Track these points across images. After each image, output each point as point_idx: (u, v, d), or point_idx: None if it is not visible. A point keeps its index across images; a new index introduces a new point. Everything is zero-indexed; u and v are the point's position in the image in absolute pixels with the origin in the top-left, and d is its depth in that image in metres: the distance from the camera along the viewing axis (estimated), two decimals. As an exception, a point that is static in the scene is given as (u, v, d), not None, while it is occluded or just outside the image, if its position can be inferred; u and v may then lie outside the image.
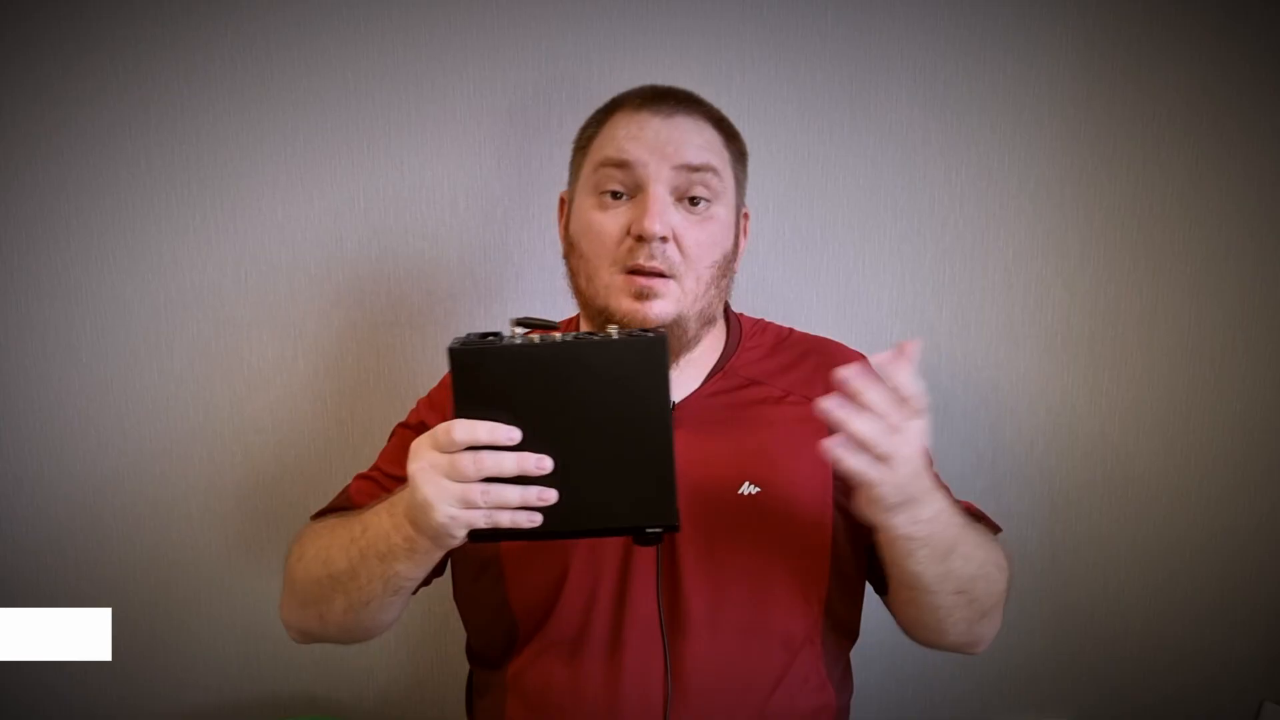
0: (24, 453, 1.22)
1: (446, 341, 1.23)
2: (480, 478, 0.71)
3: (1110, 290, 1.24)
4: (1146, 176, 1.21)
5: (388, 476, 0.97)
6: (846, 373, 0.72)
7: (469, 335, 0.75)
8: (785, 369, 0.98)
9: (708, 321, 0.93)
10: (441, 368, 1.22)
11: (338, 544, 0.86)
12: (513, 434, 0.72)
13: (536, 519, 0.72)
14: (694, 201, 0.90)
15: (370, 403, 1.24)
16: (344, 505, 0.97)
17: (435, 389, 1.03)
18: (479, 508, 0.71)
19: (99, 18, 1.14)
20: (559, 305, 1.21)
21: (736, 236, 0.96)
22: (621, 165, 0.89)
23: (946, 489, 0.86)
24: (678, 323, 0.89)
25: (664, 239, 0.87)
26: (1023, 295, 1.24)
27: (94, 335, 1.20)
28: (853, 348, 1.02)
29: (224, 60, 1.16)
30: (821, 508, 0.92)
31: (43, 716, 1.28)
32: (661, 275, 0.88)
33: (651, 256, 0.87)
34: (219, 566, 1.26)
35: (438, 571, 0.98)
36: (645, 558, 0.89)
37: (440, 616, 1.28)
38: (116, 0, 1.14)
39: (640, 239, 0.87)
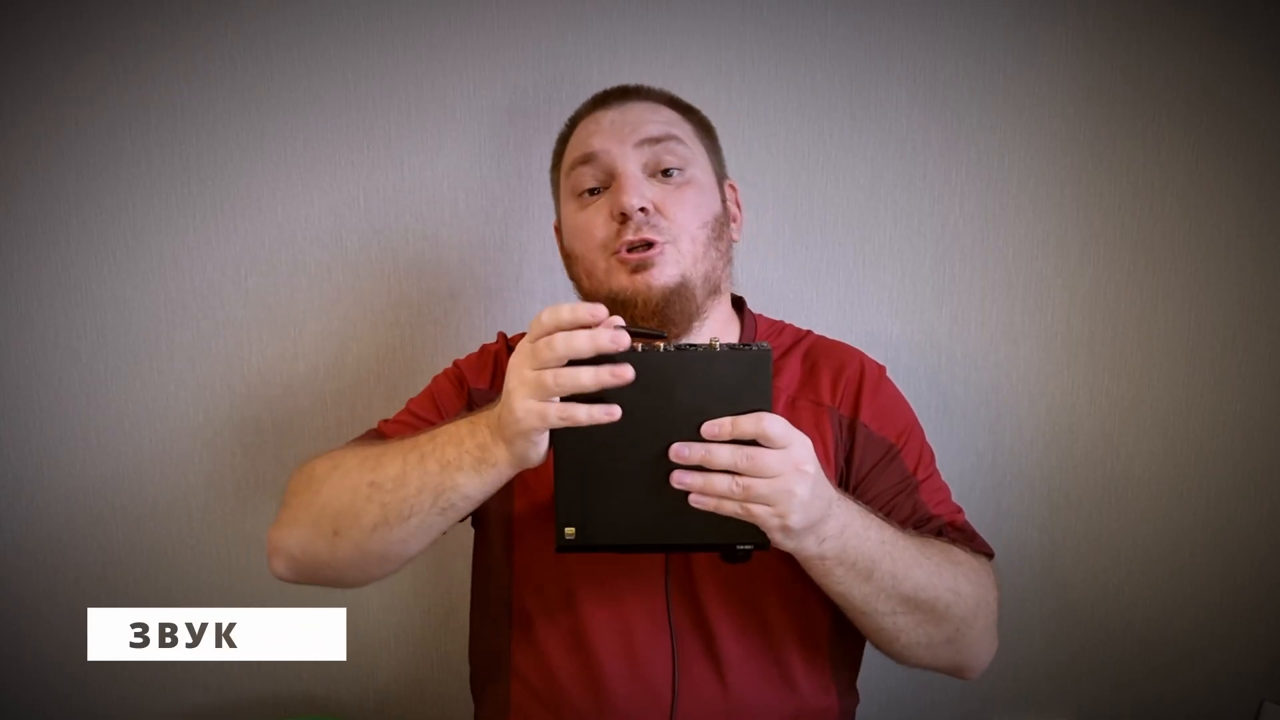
0: (24, 453, 1.22)
1: (447, 341, 1.24)
2: (559, 361, 0.70)
3: (1110, 290, 1.24)
4: (1146, 176, 1.22)
5: (419, 418, 0.97)
6: (680, 448, 0.72)
7: None
8: (797, 372, 0.97)
9: (713, 290, 0.94)
10: (441, 367, 1.21)
11: (391, 451, 0.82)
12: (597, 310, 0.70)
13: (614, 412, 0.70)
14: (667, 173, 0.92)
15: (370, 403, 1.24)
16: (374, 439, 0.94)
17: (475, 354, 1.03)
18: (551, 393, 0.70)
19: (99, 18, 1.14)
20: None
21: (724, 203, 0.97)
22: (588, 159, 0.93)
23: (869, 515, 0.83)
24: (684, 285, 0.90)
25: (644, 210, 0.89)
26: (1023, 295, 1.24)
27: (94, 335, 1.21)
28: (873, 358, 1.01)
29: (224, 60, 1.16)
30: None
31: (43, 716, 1.28)
32: (653, 244, 0.89)
33: (638, 229, 0.89)
34: (219, 566, 1.26)
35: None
36: (655, 555, 0.89)
37: (440, 617, 1.28)
38: (116, 0, 1.14)
39: (624, 218, 0.89)
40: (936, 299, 1.24)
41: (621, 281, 0.89)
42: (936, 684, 1.32)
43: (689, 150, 0.94)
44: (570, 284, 1.00)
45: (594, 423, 0.71)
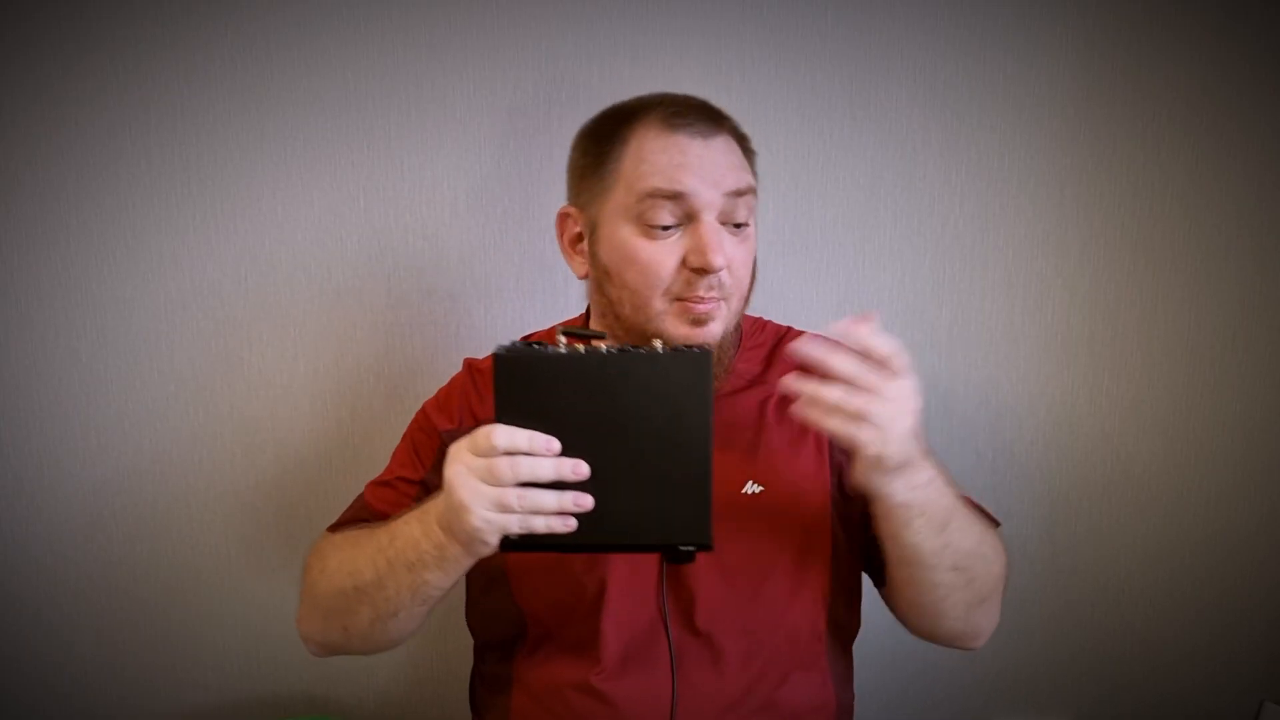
0: (24, 453, 1.22)
1: (446, 341, 1.24)
2: (516, 482, 0.71)
3: (1110, 290, 1.24)
4: (1146, 176, 1.22)
5: (402, 480, 0.97)
6: (803, 346, 0.72)
7: (514, 342, 0.75)
8: (784, 369, 0.97)
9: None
10: (441, 367, 1.22)
11: (364, 554, 0.85)
12: (552, 444, 0.72)
13: (572, 524, 0.72)
14: (737, 225, 0.88)
15: (370, 403, 1.24)
16: (361, 515, 0.96)
17: (443, 390, 1.02)
18: (514, 512, 0.71)
19: (99, 18, 1.14)
20: (559, 305, 1.21)
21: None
22: (675, 197, 0.85)
23: (945, 472, 0.85)
24: (724, 338, 0.90)
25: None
26: (1023, 295, 1.24)
27: (94, 335, 1.20)
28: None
29: (224, 60, 1.16)
30: (822, 506, 0.92)
31: (43, 716, 1.28)
32: (718, 300, 0.87)
33: (711, 287, 0.86)
34: (219, 566, 1.26)
35: None
36: (651, 556, 0.89)
37: (440, 617, 1.27)
38: (116, 0, 1.14)
39: (699, 271, 0.85)
40: (936, 299, 1.24)
41: (678, 331, 0.87)
42: (936, 684, 1.32)
43: (756, 203, 0.90)
44: (566, 270, 0.97)
45: (550, 532, 0.72)
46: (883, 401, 0.72)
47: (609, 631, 0.89)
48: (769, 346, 1.00)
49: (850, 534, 0.94)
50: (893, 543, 0.83)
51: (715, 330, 0.88)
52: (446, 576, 0.80)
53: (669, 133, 0.87)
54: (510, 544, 0.74)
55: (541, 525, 0.72)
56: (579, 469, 0.72)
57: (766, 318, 1.05)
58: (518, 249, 1.22)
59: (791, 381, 0.72)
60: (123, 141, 1.17)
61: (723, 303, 0.88)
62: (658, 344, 0.74)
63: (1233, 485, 1.27)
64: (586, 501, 0.72)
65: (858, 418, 0.72)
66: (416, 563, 0.79)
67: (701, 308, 0.86)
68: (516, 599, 0.92)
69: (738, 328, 1.00)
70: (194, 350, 1.21)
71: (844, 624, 0.97)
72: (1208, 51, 1.19)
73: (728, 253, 0.87)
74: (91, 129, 1.16)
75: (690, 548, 0.75)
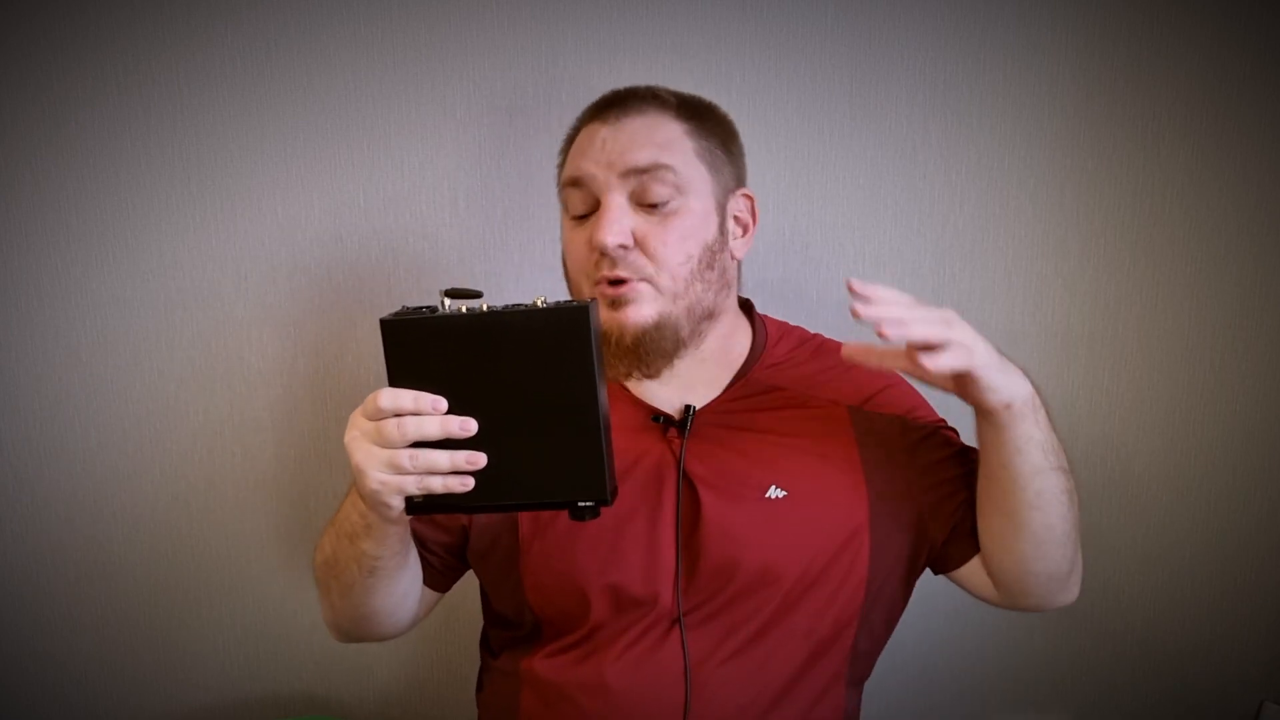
0: (24, 452, 1.22)
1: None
2: (406, 443, 0.71)
3: (1110, 290, 1.24)
4: (1146, 176, 1.22)
5: None
6: (865, 309, 0.73)
7: (404, 308, 0.75)
8: (809, 375, 0.96)
9: (705, 316, 0.91)
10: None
11: (329, 532, 0.90)
12: (439, 403, 0.72)
13: (469, 483, 0.72)
14: (651, 205, 0.87)
15: (370, 403, 1.24)
16: None
17: None
18: (408, 473, 0.72)
19: (99, 17, 1.14)
20: (559, 305, 1.21)
21: (722, 224, 0.92)
22: (576, 184, 0.89)
23: None
24: (664, 322, 0.88)
25: (624, 246, 0.86)
26: (1023, 295, 1.24)
27: (94, 335, 1.21)
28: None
29: (224, 60, 1.16)
30: (857, 521, 0.90)
31: (43, 716, 1.28)
32: (625, 281, 0.87)
33: (614, 265, 0.87)
34: (219, 566, 1.26)
35: (451, 576, 0.99)
36: (668, 553, 0.88)
37: (440, 616, 1.28)
38: (116, 0, 1.14)
39: (602, 252, 0.87)
40: (936, 299, 1.24)
41: (601, 313, 0.88)
42: (936, 684, 1.32)
43: (681, 177, 0.87)
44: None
45: (449, 491, 0.72)
46: (954, 324, 0.76)
47: (624, 630, 0.88)
48: (792, 352, 0.98)
49: (893, 557, 0.92)
50: (1012, 457, 0.84)
51: (638, 314, 0.87)
52: (378, 545, 0.82)
53: (590, 123, 0.92)
54: (415, 506, 0.75)
55: (439, 485, 0.72)
56: (466, 425, 0.72)
57: (779, 320, 1.04)
58: (518, 249, 1.22)
59: (868, 310, 0.73)
60: (123, 141, 1.17)
61: (643, 284, 0.87)
62: (540, 300, 0.73)
63: (1233, 485, 1.28)
64: (479, 460, 0.72)
65: (945, 344, 0.75)
66: (353, 533, 0.83)
67: (610, 290, 0.87)
68: (528, 598, 0.92)
69: (762, 331, 0.99)
70: (194, 350, 1.22)
71: (871, 644, 0.95)
72: (1208, 51, 1.19)
73: (633, 229, 0.87)
74: (91, 129, 1.16)
75: (590, 504, 0.75)
